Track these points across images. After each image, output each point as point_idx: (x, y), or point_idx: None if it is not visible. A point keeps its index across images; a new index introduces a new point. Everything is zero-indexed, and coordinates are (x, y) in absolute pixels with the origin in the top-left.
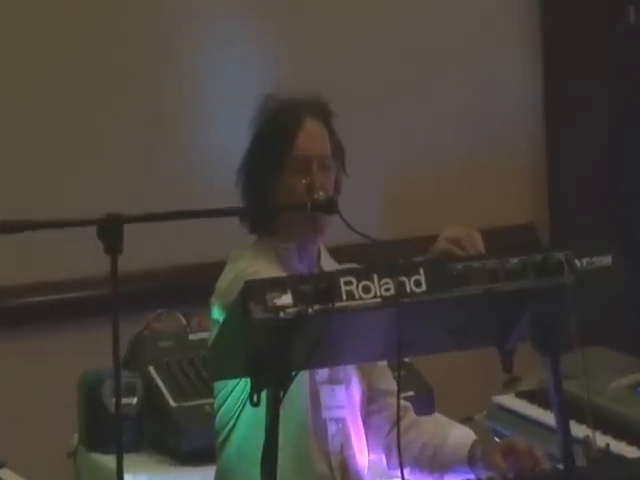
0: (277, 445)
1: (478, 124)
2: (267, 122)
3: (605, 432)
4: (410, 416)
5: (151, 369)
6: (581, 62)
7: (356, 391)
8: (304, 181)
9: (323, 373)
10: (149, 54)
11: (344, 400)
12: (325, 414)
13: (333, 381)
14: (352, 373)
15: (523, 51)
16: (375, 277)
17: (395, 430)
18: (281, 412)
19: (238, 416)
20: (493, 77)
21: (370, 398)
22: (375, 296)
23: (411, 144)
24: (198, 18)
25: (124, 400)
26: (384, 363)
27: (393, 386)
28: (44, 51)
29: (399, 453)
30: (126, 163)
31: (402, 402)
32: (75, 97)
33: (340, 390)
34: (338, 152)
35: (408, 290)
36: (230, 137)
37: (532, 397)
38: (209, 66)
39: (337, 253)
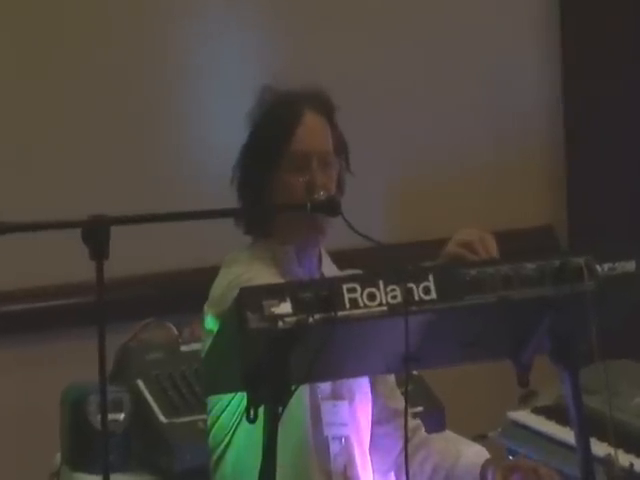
0: (275, 464)
1: (495, 124)
2: (264, 115)
3: (628, 450)
4: (420, 435)
5: (139, 383)
6: (600, 62)
7: (362, 408)
8: (302, 179)
9: (325, 388)
10: (140, 49)
11: (347, 417)
12: (327, 431)
13: (336, 397)
14: (360, 388)
15: (541, 51)
16: (381, 284)
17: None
18: (279, 429)
19: (233, 433)
20: (511, 77)
21: (380, 419)
22: (381, 304)
23: (426, 144)
24: (193, 8)
25: (111, 416)
26: (393, 381)
27: (403, 405)
28: (39, 50)
29: (407, 473)
30: (116, 163)
31: (412, 420)
32: (64, 95)
33: (343, 406)
34: (341, 148)
35: (416, 298)
36: (226, 134)
37: (550, 413)
38: (204, 58)
39: (339, 257)
